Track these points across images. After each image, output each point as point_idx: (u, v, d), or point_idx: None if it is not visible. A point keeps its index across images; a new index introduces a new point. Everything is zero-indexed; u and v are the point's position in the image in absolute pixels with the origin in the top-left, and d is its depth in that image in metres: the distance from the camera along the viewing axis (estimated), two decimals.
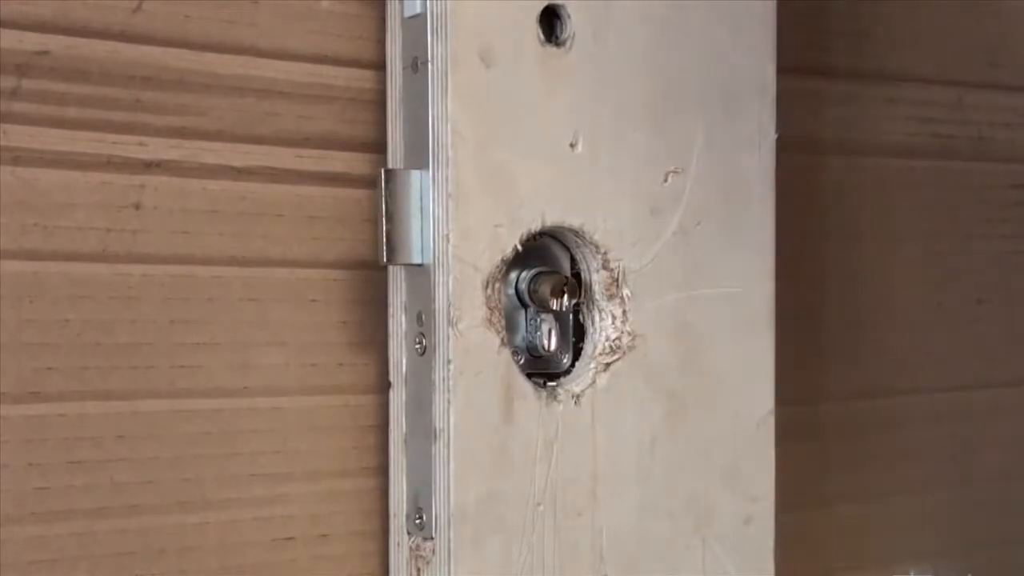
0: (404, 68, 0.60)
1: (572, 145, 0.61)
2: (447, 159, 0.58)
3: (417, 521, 0.60)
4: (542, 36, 0.60)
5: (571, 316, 0.64)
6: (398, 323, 0.61)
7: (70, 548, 0.57)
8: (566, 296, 0.61)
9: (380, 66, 0.62)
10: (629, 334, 0.63)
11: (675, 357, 0.65)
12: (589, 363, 0.63)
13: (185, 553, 0.59)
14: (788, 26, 0.69)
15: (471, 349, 0.59)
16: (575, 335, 0.64)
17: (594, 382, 0.63)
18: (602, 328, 0.63)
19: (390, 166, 0.61)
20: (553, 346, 0.62)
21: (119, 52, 0.57)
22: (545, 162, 0.61)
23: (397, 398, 0.62)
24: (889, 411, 0.80)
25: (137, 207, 0.58)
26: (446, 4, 0.58)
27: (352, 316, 0.63)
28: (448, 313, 0.58)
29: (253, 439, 0.61)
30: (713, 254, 0.65)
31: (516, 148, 0.60)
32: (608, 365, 0.63)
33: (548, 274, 0.62)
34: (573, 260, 0.64)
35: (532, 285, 0.62)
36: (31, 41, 0.55)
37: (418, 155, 0.59)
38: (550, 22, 0.61)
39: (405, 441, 0.61)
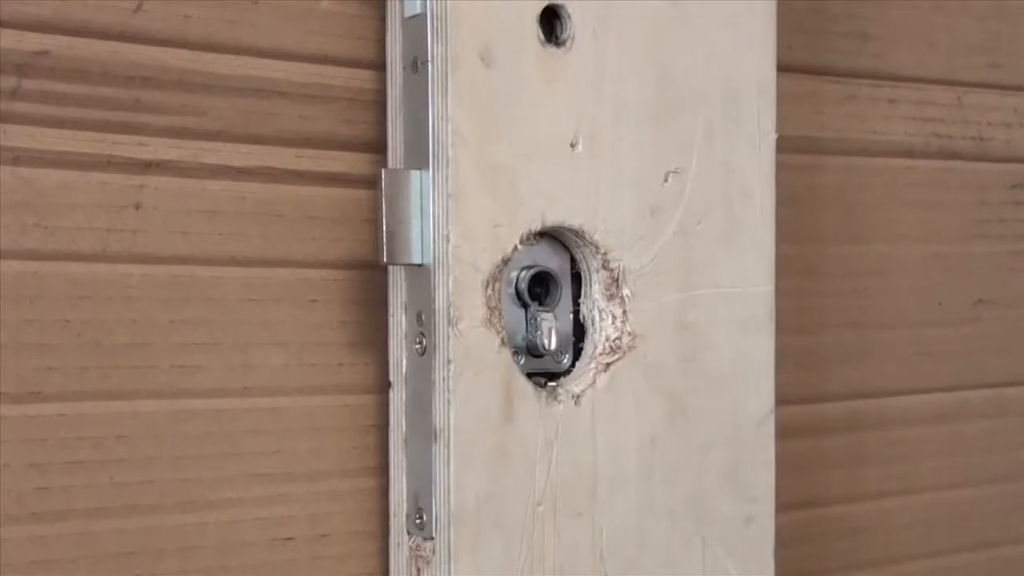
0: (404, 68, 0.60)
1: (572, 145, 0.61)
2: (447, 159, 0.58)
3: (417, 521, 0.60)
4: (542, 36, 0.60)
5: (571, 316, 0.64)
6: (398, 323, 0.61)
7: (70, 548, 0.57)
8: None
9: (380, 66, 0.62)
10: (629, 334, 0.63)
11: (675, 357, 0.65)
12: (589, 363, 0.63)
13: (185, 553, 0.59)
14: (788, 26, 0.69)
15: (471, 349, 0.59)
16: (575, 335, 0.64)
17: (594, 382, 0.63)
18: (602, 328, 0.63)
19: (390, 166, 0.61)
20: (553, 346, 0.62)
21: (119, 52, 0.57)
22: (545, 162, 0.61)
23: (397, 398, 0.62)
24: (889, 411, 0.80)
25: (137, 207, 0.58)
26: (446, 4, 0.58)
27: (352, 316, 0.63)
28: (448, 313, 0.58)
29: (253, 439, 0.61)
30: (713, 254, 0.65)
31: (516, 148, 0.60)
32: (608, 365, 0.63)
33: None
34: (573, 260, 0.64)
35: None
36: (31, 41, 0.55)
37: (418, 155, 0.59)
38: (550, 22, 0.61)
39: (405, 441, 0.61)
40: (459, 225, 0.58)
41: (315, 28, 0.61)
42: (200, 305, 0.59)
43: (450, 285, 0.58)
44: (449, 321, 0.58)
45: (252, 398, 0.61)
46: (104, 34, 0.57)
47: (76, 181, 0.57)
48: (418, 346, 0.60)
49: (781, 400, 0.68)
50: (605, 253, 0.63)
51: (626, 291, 0.63)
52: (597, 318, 0.63)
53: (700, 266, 0.65)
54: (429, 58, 0.58)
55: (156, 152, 0.58)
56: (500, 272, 0.60)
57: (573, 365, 0.63)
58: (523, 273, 0.62)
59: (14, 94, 0.55)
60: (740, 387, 0.67)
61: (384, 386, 0.62)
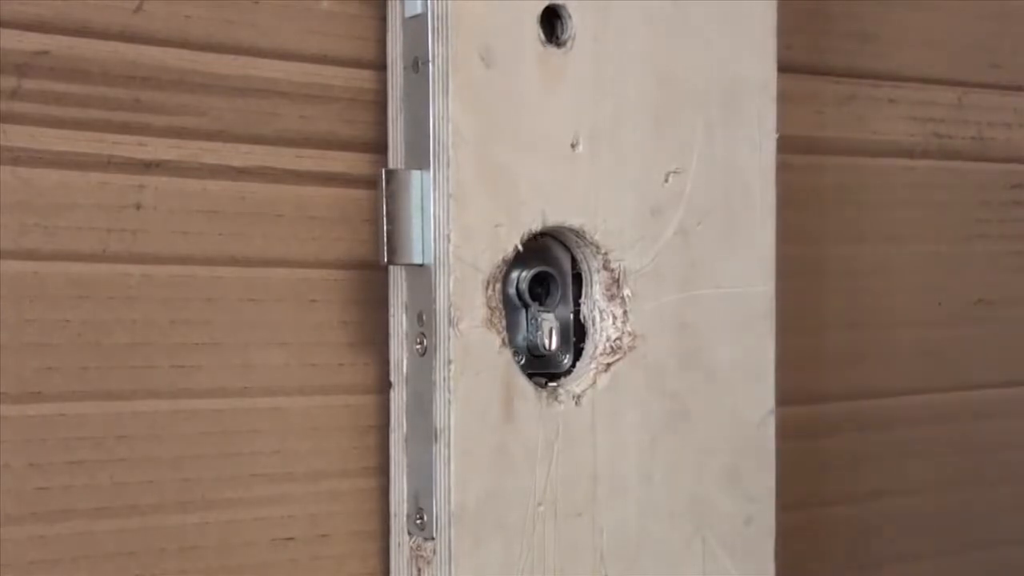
0: (405, 68, 0.60)
1: (573, 145, 0.61)
2: (448, 159, 0.58)
3: (418, 521, 0.60)
4: (543, 36, 0.60)
5: (572, 316, 0.64)
6: (398, 323, 0.61)
7: (70, 548, 0.57)
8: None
9: (381, 66, 0.62)
10: (630, 334, 0.63)
11: (675, 357, 0.65)
12: (590, 363, 0.63)
13: (185, 553, 0.59)
14: (788, 26, 0.69)
15: (472, 349, 0.59)
16: (576, 335, 0.64)
17: (595, 382, 0.63)
18: (603, 328, 0.63)
19: (391, 166, 0.61)
20: (554, 346, 0.62)
21: (119, 52, 0.57)
22: (546, 162, 0.61)
23: (398, 398, 0.62)
24: (889, 411, 0.80)
25: (137, 207, 0.58)
26: (447, 4, 0.58)
27: (352, 316, 0.63)
28: (449, 313, 0.58)
29: (253, 439, 0.61)
30: (713, 254, 0.65)
31: (517, 148, 0.60)
32: (609, 365, 0.63)
33: None
34: (574, 260, 0.64)
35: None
36: (31, 41, 0.55)
37: (419, 155, 0.59)
38: (551, 22, 0.61)
39: (406, 441, 0.61)
40: (459, 225, 0.58)
41: (315, 28, 0.61)
42: (200, 305, 0.59)
43: (451, 285, 0.58)
44: (450, 321, 0.58)
45: (252, 398, 0.61)
46: (104, 34, 0.57)
47: (76, 181, 0.57)
48: (419, 346, 0.60)
49: (781, 400, 0.68)
50: (606, 253, 0.63)
51: (626, 291, 0.63)
52: (598, 318, 0.63)
53: (700, 266, 0.65)
54: (430, 58, 0.58)
55: (156, 152, 0.58)
56: (500, 272, 0.60)
57: (573, 365, 0.63)
58: (523, 273, 0.62)
59: (14, 94, 0.55)
60: (740, 387, 0.67)
61: (384, 386, 0.62)
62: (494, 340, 0.60)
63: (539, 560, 0.61)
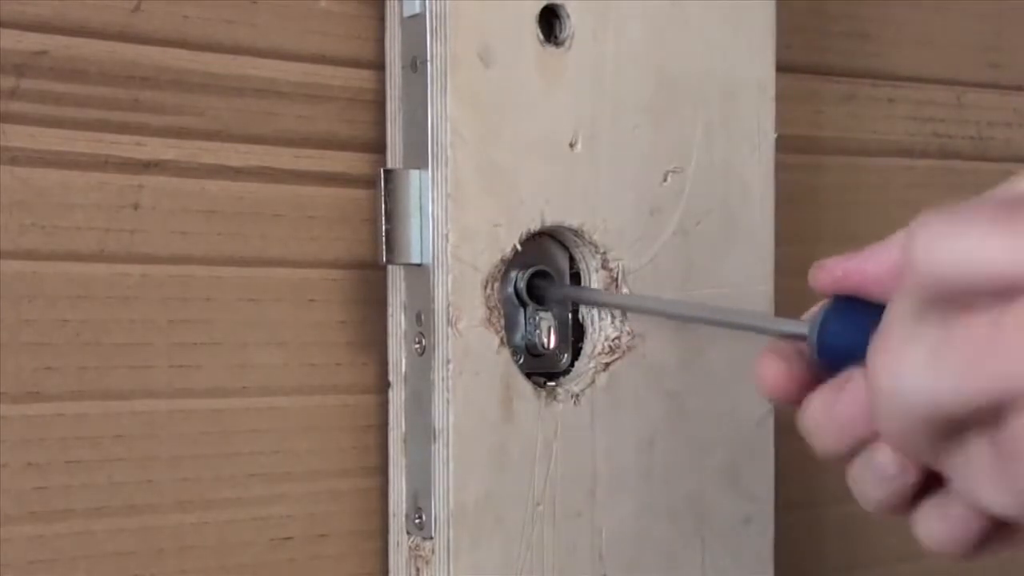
0: (403, 68, 0.60)
1: (571, 145, 0.61)
2: (446, 159, 0.58)
3: (416, 521, 0.60)
4: (541, 36, 0.60)
5: (570, 315, 0.64)
6: (397, 323, 0.61)
7: (69, 548, 0.57)
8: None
9: (379, 66, 0.62)
10: (628, 334, 0.63)
11: (675, 357, 0.64)
12: (588, 363, 0.63)
13: (184, 553, 0.59)
14: (788, 26, 0.69)
15: (470, 349, 0.59)
16: (574, 334, 0.64)
17: (593, 382, 0.63)
18: (601, 328, 0.63)
19: (389, 166, 0.61)
20: (553, 344, 0.62)
21: (117, 52, 0.57)
22: (544, 162, 0.61)
23: (396, 398, 0.62)
24: None
25: (135, 207, 0.58)
26: (445, 4, 0.58)
27: (351, 316, 0.63)
28: (447, 313, 0.58)
29: (251, 439, 0.61)
30: (713, 254, 0.65)
31: (515, 148, 0.60)
32: (608, 365, 0.63)
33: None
34: (572, 260, 0.64)
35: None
36: (29, 41, 0.55)
37: (417, 155, 0.59)
38: (549, 22, 0.61)
39: (404, 441, 0.61)
40: (458, 225, 0.58)
41: (314, 28, 0.61)
42: (198, 305, 0.59)
43: (449, 285, 0.58)
44: (448, 321, 0.58)
45: (251, 398, 0.61)
46: (102, 34, 0.57)
47: (74, 181, 0.57)
48: (417, 346, 0.60)
49: None
50: (604, 253, 0.63)
51: (625, 291, 0.63)
52: (596, 317, 0.63)
53: (699, 266, 0.65)
54: (428, 58, 0.58)
55: (154, 152, 0.58)
56: (499, 272, 0.60)
57: (572, 365, 0.63)
58: (522, 272, 0.62)
59: (12, 94, 0.55)
60: (739, 387, 0.66)
61: (383, 386, 0.62)
62: (493, 339, 0.60)
63: (538, 560, 0.61)
